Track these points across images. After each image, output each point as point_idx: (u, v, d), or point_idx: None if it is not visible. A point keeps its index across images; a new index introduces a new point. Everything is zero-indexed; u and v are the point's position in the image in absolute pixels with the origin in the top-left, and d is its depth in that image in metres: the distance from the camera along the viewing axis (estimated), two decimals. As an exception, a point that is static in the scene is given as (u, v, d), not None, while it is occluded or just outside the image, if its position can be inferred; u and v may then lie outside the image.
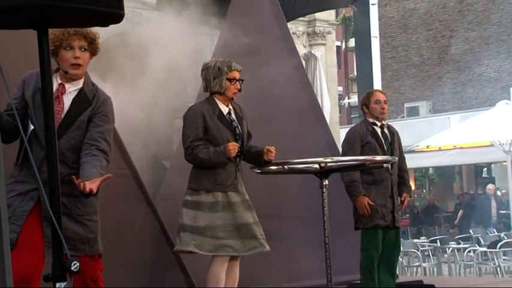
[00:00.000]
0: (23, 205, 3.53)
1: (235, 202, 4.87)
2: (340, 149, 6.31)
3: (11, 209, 3.44)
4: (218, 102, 4.98)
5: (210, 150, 4.84)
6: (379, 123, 5.94)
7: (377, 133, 5.90)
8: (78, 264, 2.43)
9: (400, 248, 6.06)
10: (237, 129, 4.97)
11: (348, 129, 6.01)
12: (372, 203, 5.73)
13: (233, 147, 4.86)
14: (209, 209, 4.82)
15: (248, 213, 4.90)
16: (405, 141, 10.38)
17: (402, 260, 11.79)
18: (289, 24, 8.57)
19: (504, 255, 11.76)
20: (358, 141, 5.82)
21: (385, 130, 5.95)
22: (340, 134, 18.15)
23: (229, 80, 4.99)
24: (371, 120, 5.94)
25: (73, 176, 3.45)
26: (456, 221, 20.76)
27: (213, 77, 4.97)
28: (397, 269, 6.39)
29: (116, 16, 2.46)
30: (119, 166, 5.30)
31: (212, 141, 4.88)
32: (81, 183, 3.38)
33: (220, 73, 4.97)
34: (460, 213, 20.97)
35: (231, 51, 6.33)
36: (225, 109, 4.99)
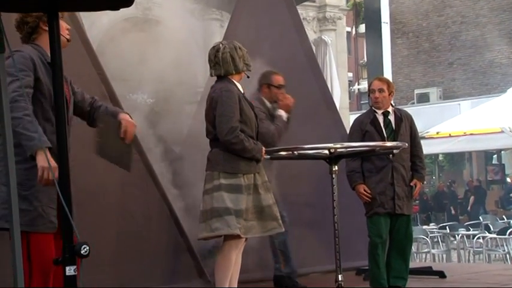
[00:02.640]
0: (51, 187, 3.51)
1: (258, 184, 4.88)
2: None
3: (43, 193, 3.46)
4: (236, 83, 4.96)
5: (251, 141, 4.83)
6: (379, 111, 5.89)
7: (377, 121, 5.85)
8: (87, 248, 2.43)
9: (411, 235, 5.99)
10: (255, 110, 4.99)
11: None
12: (369, 191, 5.72)
13: (264, 151, 4.91)
14: (247, 192, 4.81)
15: (268, 194, 4.92)
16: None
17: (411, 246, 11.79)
18: (299, 10, 8.53)
19: (514, 241, 11.74)
20: (357, 130, 5.82)
21: (390, 117, 5.88)
22: (350, 120, 18.12)
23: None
24: (374, 107, 5.93)
25: None
26: (468, 207, 20.74)
27: (238, 56, 4.93)
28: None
29: (126, 0, 2.45)
30: (129, 151, 5.30)
31: (246, 122, 4.86)
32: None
33: (242, 52, 4.95)
34: (471, 199, 20.94)
35: (241, 37, 6.30)
36: (241, 89, 4.99)
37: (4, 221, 3.32)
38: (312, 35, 18.17)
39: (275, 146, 5.52)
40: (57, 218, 3.52)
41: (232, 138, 4.76)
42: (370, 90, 5.95)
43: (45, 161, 3.30)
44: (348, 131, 7.19)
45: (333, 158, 4.89)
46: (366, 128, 5.81)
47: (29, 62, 3.60)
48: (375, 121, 5.85)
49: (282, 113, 5.96)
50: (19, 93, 3.44)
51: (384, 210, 5.74)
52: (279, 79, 6.14)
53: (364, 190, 5.72)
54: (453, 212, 21.87)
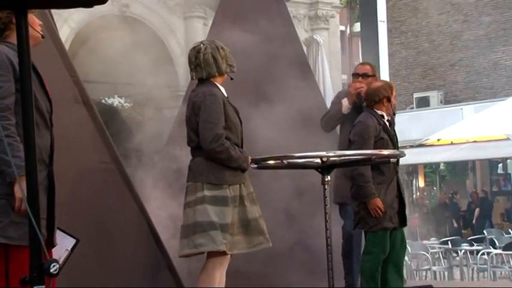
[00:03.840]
0: (41, 196, 3.49)
1: (244, 195, 4.87)
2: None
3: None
4: (219, 86, 4.96)
5: (237, 150, 4.83)
6: (386, 117, 5.97)
7: (388, 128, 5.93)
8: (57, 265, 2.41)
9: (406, 247, 6.14)
10: (239, 115, 5.00)
11: (356, 122, 5.98)
12: (383, 205, 5.78)
13: (250, 160, 4.91)
14: (233, 204, 4.80)
15: (254, 206, 4.93)
16: (414, 134, 10.38)
17: (411, 263, 11.80)
18: (290, 7, 8.57)
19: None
20: (372, 137, 5.84)
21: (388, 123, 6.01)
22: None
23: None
24: (380, 112, 5.94)
25: None
26: (473, 220, 20.78)
27: (220, 57, 4.93)
28: (405, 273, 6.42)
29: (101, -4, 2.43)
30: (103, 160, 5.29)
31: (232, 129, 4.86)
32: None
33: (224, 52, 4.95)
34: (477, 212, 20.97)
35: (226, 36, 6.30)
36: (225, 93, 4.98)
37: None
38: (302, 34, 18.20)
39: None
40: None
41: (217, 146, 4.75)
42: (395, 97, 6.04)
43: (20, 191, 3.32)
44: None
45: (326, 167, 4.89)
46: (380, 135, 5.85)
47: (7, 64, 3.55)
48: (386, 128, 5.90)
49: (343, 101, 6.27)
50: None
51: (392, 224, 5.82)
52: (359, 67, 6.54)
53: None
54: (455, 225, 21.93)
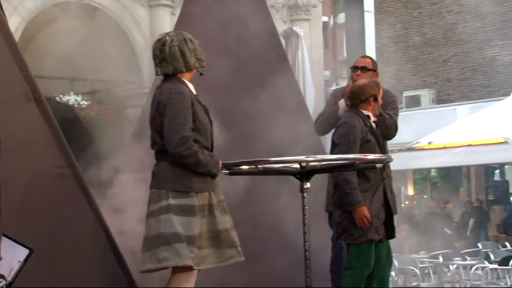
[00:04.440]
0: None
1: (214, 204, 4.87)
2: (328, 146, 6.34)
3: None
4: (187, 82, 4.96)
5: (206, 154, 4.82)
6: (373, 117, 6.00)
7: (374, 129, 5.96)
8: (4, 282, 2.40)
9: (392, 261, 6.17)
10: (209, 115, 5.00)
11: (340, 123, 5.99)
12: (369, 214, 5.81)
13: (221, 164, 4.91)
14: (201, 214, 4.80)
15: (225, 216, 4.94)
16: (403, 137, 10.43)
17: (398, 279, 11.84)
18: (266, -5, 8.56)
19: (518, 273, 11.85)
20: (359, 139, 5.86)
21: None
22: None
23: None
24: (366, 112, 5.97)
25: None
26: (467, 232, 20.88)
27: (188, 50, 4.92)
28: (392, 291, 6.45)
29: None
30: (57, 164, 5.26)
31: (201, 130, 4.86)
32: None
33: (193, 45, 4.95)
34: (471, 223, 21.07)
35: (195, 27, 6.30)
36: (193, 90, 4.98)
37: None
38: (281, 26, 18.22)
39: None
40: None
41: (183, 150, 4.75)
42: (382, 97, 6.06)
43: None
44: (323, 141, 7.23)
45: (305, 173, 4.90)
46: (366, 137, 5.87)
47: None
48: (372, 130, 5.93)
49: (340, 102, 6.38)
50: None
51: (378, 236, 5.85)
52: (359, 60, 6.62)
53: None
54: (447, 238, 22.04)
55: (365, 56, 6.98)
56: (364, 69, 6.54)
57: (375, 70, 6.60)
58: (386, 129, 6.24)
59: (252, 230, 6.53)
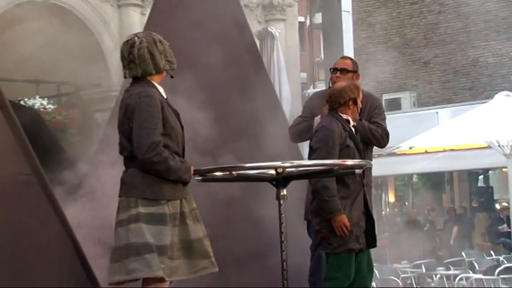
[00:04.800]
0: None
1: (186, 212, 4.88)
2: (305, 151, 6.36)
3: None
4: (157, 85, 4.96)
5: (177, 160, 4.82)
6: (352, 122, 6.01)
7: (354, 134, 5.97)
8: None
9: (373, 271, 6.20)
10: (181, 119, 5.01)
11: (318, 127, 6.01)
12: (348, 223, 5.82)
13: (193, 171, 4.91)
14: (172, 223, 4.79)
15: (198, 225, 4.94)
16: (383, 142, 10.44)
17: (379, 289, 11.86)
18: (240, -6, 8.58)
19: (504, 283, 11.91)
20: (337, 144, 5.86)
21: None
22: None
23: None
24: (345, 116, 5.98)
25: None
26: (451, 240, 20.96)
27: (158, 52, 4.93)
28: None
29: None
30: (22, 171, 5.24)
31: (171, 135, 4.86)
32: None
33: (163, 47, 4.96)
34: (454, 231, 21.15)
35: (166, 28, 6.30)
36: (163, 93, 4.98)
37: None
38: (255, 26, 18.26)
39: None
40: None
41: (153, 156, 4.75)
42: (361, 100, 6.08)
43: None
44: (300, 147, 7.25)
45: (281, 179, 4.91)
46: (346, 142, 5.87)
47: None
48: (352, 135, 5.94)
49: (316, 118, 6.38)
50: None
51: (358, 245, 5.87)
52: (339, 61, 6.65)
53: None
54: (430, 246, 22.13)
55: (345, 57, 7.00)
56: (343, 71, 6.55)
57: (355, 72, 6.62)
58: (377, 141, 6.31)
59: (227, 237, 6.53)
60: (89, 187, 6.42)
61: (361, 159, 5.86)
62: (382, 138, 6.38)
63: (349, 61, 6.70)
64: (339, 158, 5.77)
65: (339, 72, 6.55)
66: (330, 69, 6.66)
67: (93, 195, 6.29)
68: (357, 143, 5.96)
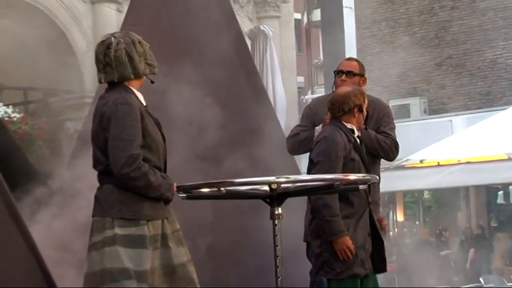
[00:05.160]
0: None
1: (168, 234, 4.88)
2: (303, 164, 6.36)
3: None
4: (135, 92, 4.97)
5: (158, 175, 4.82)
6: (357, 132, 6.01)
7: (359, 146, 5.97)
8: None
9: None
10: (162, 129, 5.01)
11: (320, 138, 6.00)
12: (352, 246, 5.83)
13: (175, 187, 4.92)
14: (153, 246, 4.79)
15: (181, 248, 4.95)
16: (390, 154, 10.45)
17: (386, 319, 11.87)
18: (229, -11, 8.60)
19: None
20: (341, 157, 5.86)
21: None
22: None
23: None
24: (349, 126, 5.98)
25: None
26: (467, 264, 20.98)
27: (137, 54, 4.93)
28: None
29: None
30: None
31: (152, 147, 4.87)
32: None
33: (143, 48, 4.96)
34: (471, 253, 21.16)
35: (146, 27, 6.31)
36: (143, 101, 4.99)
37: None
38: (246, 24, 18.28)
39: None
40: None
41: (131, 170, 4.75)
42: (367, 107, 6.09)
43: None
44: (297, 159, 7.25)
45: (276, 196, 4.91)
46: (350, 155, 5.88)
47: None
48: (357, 147, 5.94)
49: (317, 129, 6.37)
50: None
51: (364, 270, 5.90)
52: (344, 63, 6.67)
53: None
54: (444, 271, 22.14)
55: (351, 59, 7.01)
56: (350, 74, 6.56)
57: (362, 75, 6.63)
58: (385, 153, 6.32)
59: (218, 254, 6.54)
60: (58, 205, 6.41)
61: (367, 173, 5.86)
62: (390, 150, 6.39)
63: (355, 63, 6.71)
64: (343, 172, 5.77)
65: (344, 75, 6.55)
66: (335, 72, 6.65)
67: (63, 214, 6.29)
68: (362, 156, 5.96)
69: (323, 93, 10.66)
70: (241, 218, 6.90)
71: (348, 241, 5.78)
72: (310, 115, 6.68)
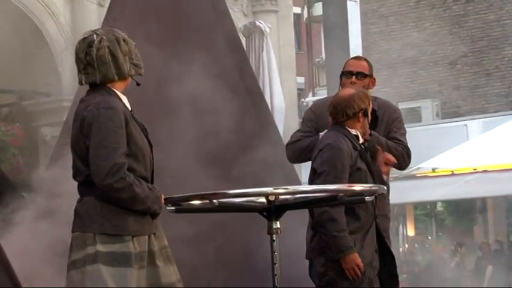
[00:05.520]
0: None
1: (155, 251, 4.88)
2: (303, 175, 6.36)
3: None
4: (119, 94, 4.97)
5: (145, 186, 4.82)
6: (362, 139, 6.02)
7: (365, 154, 5.97)
8: None
9: None
10: (148, 136, 5.01)
11: (323, 145, 6.00)
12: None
13: (163, 199, 4.93)
14: (139, 264, 4.80)
15: (170, 267, 4.94)
16: (400, 162, 10.47)
17: None
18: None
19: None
20: (347, 166, 5.86)
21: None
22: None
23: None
24: (354, 132, 5.98)
25: None
26: (485, 283, 20.99)
27: (122, 53, 4.94)
28: None
29: None
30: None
31: (137, 156, 4.88)
32: None
33: (128, 47, 4.97)
34: (489, 271, 21.18)
35: (130, 23, 6.32)
36: (128, 104, 4.99)
37: None
38: (241, 20, 18.31)
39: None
40: None
41: (115, 181, 4.75)
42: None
43: None
44: (297, 168, 7.26)
45: (274, 209, 4.91)
46: (356, 164, 5.87)
47: None
48: (363, 155, 5.94)
49: (322, 133, 6.30)
50: None
51: None
52: (352, 63, 6.66)
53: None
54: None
55: (360, 58, 6.96)
56: (360, 75, 6.52)
57: (371, 76, 6.62)
58: (396, 161, 6.31)
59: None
60: (34, 219, 6.41)
61: (375, 183, 5.86)
62: (402, 158, 6.39)
63: (365, 63, 6.69)
64: (349, 183, 5.76)
65: (354, 76, 6.54)
66: (343, 73, 6.63)
67: (39, 229, 6.29)
68: (369, 164, 5.96)
69: (325, 95, 10.65)
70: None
71: (356, 258, 5.79)
72: (312, 119, 6.65)
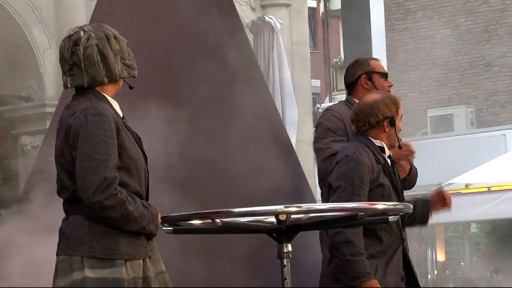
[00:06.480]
0: None
1: (150, 277, 4.90)
2: (320, 191, 6.38)
3: None
4: (110, 99, 4.98)
5: (139, 203, 4.83)
6: (388, 151, 6.01)
7: (390, 168, 5.97)
8: None
9: None
10: (143, 146, 5.02)
11: (341, 157, 6.00)
12: None
13: (160, 218, 4.93)
14: None
15: None
16: (429, 177, 10.51)
17: None
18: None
19: None
20: (367, 182, 5.86)
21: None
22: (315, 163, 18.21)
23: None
24: (378, 143, 5.99)
25: None
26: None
27: (112, 53, 4.96)
28: None
29: None
30: None
31: (130, 168, 4.89)
32: None
33: (119, 45, 4.98)
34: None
35: (122, 19, 6.35)
36: (119, 111, 5.00)
37: None
38: (248, 15, 18.35)
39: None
40: None
41: (105, 198, 4.76)
42: (401, 116, 6.09)
43: None
44: (312, 183, 7.28)
45: (285, 230, 4.92)
46: (378, 180, 5.87)
47: None
48: (387, 169, 5.93)
49: None
50: None
51: None
52: (379, 65, 6.78)
53: None
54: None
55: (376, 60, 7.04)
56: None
57: None
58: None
59: None
60: (12, 240, 6.44)
61: (400, 200, 5.86)
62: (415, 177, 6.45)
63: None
64: (369, 200, 5.77)
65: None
66: (371, 73, 6.65)
67: (19, 251, 6.31)
68: (393, 181, 5.96)
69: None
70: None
71: (375, 285, 5.79)
72: (342, 128, 6.59)
